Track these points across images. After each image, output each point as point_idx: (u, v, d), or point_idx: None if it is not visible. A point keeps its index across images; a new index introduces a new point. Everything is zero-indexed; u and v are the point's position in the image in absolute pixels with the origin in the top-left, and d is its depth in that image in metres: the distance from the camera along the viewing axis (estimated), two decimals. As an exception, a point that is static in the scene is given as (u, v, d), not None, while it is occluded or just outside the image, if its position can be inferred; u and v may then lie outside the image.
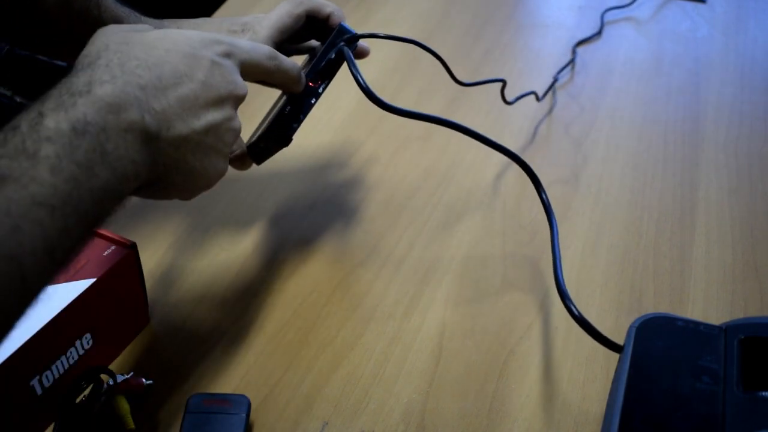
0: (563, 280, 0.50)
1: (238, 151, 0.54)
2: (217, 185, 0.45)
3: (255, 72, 0.46)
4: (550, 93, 0.81)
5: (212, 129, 0.42)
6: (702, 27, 0.96)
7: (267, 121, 0.54)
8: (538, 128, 0.78)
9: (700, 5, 1.01)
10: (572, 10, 1.00)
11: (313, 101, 0.53)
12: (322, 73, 0.53)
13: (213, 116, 0.42)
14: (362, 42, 0.57)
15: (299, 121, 0.53)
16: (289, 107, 0.52)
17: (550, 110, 0.80)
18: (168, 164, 0.40)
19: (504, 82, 0.71)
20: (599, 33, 0.93)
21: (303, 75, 0.51)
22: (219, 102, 0.42)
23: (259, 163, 0.55)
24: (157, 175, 0.40)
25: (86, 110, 0.35)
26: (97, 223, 0.36)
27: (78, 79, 0.37)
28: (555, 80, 0.83)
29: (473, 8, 1.00)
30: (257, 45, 0.47)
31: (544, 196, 0.56)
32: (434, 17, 0.98)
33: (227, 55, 0.43)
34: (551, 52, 0.91)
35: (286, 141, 0.53)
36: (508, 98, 0.73)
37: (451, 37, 0.94)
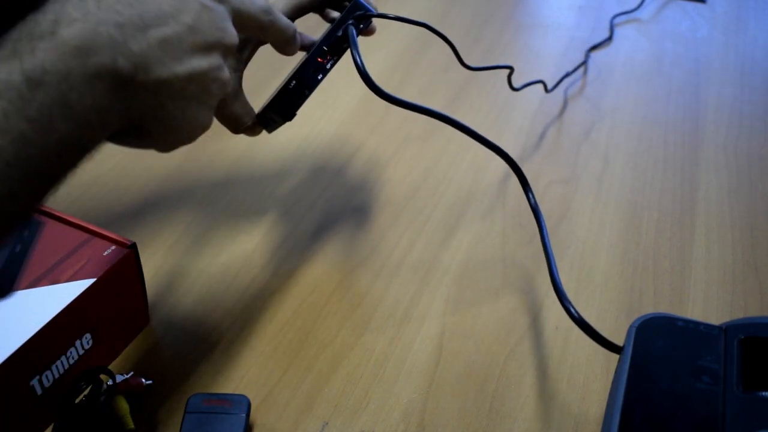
0: (560, 280, 0.50)
1: (245, 125, 0.53)
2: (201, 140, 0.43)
3: (248, 24, 0.44)
4: (554, 96, 0.81)
5: (196, 76, 0.38)
6: (702, 27, 0.96)
7: (273, 93, 0.53)
8: (538, 128, 0.78)
9: (700, 5, 1.01)
10: (572, 10, 1.00)
11: (320, 77, 0.52)
12: (330, 50, 0.52)
13: (198, 63, 0.38)
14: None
15: (305, 97, 0.52)
16: (294, 82, 0.51)
17: (561, 115, 0.80)
18: (144, 111, 0.37)
19: (511, 68, 0.70)
20: (610, 38, 0.93)
21: (298, 37, 0.49)
22: (206, 48, 0.39)
23: (269, 131, 0.54)
24: (132, 123, 0.37)
25: (46, 57, 0.31)
26: (55, 180, 0.33)
27: (44, 16, 0.33)
28: (566, 75, 0.83)
29: (473, 8, 1.00)
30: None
31: (531, 197, 0.55)
32: (434, 17, 0.98)
33: (220, 0, 0.40)
34: (551, 52, 0.91)
35: (290, 115, 0.52)
36: (515, 85, 0.73)
37: (451, 37, 0.93)
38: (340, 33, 0.52)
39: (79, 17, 0.33)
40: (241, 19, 0.42)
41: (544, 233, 0.53)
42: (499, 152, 0.54)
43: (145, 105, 0.36)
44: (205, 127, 0.42)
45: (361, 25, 0.53)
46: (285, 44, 0.48)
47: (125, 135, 0.38)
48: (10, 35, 0.32)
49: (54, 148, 0.32)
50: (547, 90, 0.79)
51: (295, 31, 0.48)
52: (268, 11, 0.45)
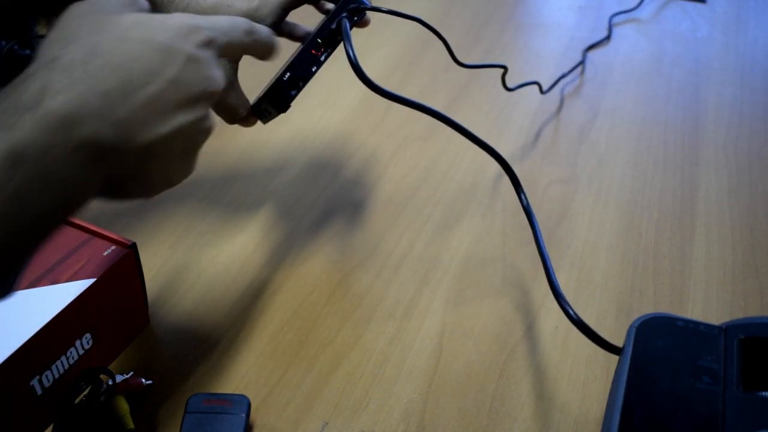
0: (557, 281, 0.50)
1: (240, 116, 0.52)
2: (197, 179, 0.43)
3: (233, 52, 0.43)
4: (554, 95, 0.81)
5: (180, 132, 0.37)
6: (702, 27, 0.96)
7: (268, 84, 0.53)
8: (538, 128, 0.78)
9: (700, 5, 1.01)
10: (572, 10, 1.00)
11: (314, 69, 0.52)
12: (324, 42, 0.52)
13: (183, 118, 0.37)
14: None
15: (299, 89, 0.52)
16: (288, 74, 0.51)
17: (558, 111, 0.80)
18: (125, 174, 0.36)
19: (505, 68, 0.70)
20: (608, 38, 0.93)
21: (279, 44, 0.48)
22: (190, 102, 0.38)
23: (264, 122, 0.54)
24: (111, 186, 0.36)
25: (30, 129, 0.31)
26: (28, 252, 0.33)
27: (32, 85, 0.32)
28: (562, 77, 0.82)
29: (473, 8, 1.00)
30: (235, 21, 0.43)
31: (523, 198, 0.55)
32: (434, 17, 0.98)
33: (207, 44, 0.39)
34: (551, 52, 0.91)
35: (284, 107, 0.52)
36: (510, 85, 0.72)
37: (451, 37, 0.93)
38: (334, 26, 0.52)
39: (65, 86, 0.33)
40: (227, 51, 0.42)
41: (538, 235, 0.53)
42: (491, 152, 0.54)
43: (126, 169, 0.36)
44: (188, 174, 0.41)
45: (356, 18, 0.53)
46: (267, 55, 0.47)
47: (103, 195, 0.37)
48: None
49: (30, 224, 0.32)
50: (542, 91, 0.79)
51: (275, 40, 0.48)
52: (249, 31, 0.44)
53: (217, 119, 0.50)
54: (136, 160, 0.36)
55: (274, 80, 0.52)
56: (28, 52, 1.18)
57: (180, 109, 0.37)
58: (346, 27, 0.51)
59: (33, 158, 0.31)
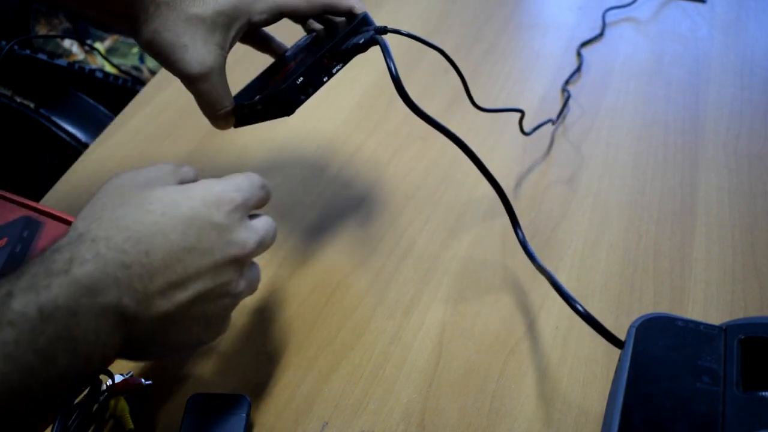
0: (563, 285, 0.50)
1: (225, 110, 0.52)
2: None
3: (253, 208, 0.44)
4: (555, 95, 0.81)
5: (201, 298, 0.39)
6: (702, 27, 0.96)
7: (272, 87, 0.52)
8: (538, 129, 0.78)
9: (700, 5, 1.01)
10: (572, 10, 1.00)
11: (325, 79, 0.52)
12: (341, 55, 0.52)
13: (203, 284, 0.39)
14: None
15: (308, 95, 0.52)
16: (302, 79, 0.51)
17: (563, 118, 0.79)
18: (145, 342, 0.38)
19: (522, 112, 0.70)
20: (601, 34, 0.93)
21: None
22: (214, 268, 0.39)
23: (241, 125, 0.53)
24: (132, 347, 0.38)
25: (60, 292, 0.33)
26: (49, 408, 0.35)
27: (61, 255, 0.35)
28: (568, 95, 0.81)
29: (473, 8, 1.00)
30: (251, 179, 0.43)
31: (519, 233, 0.56)
32: (434, 17, 0.98)
33: (234, 209, 0.40)
34: (551, 52, 0.91)
35: (290, 111, 0.51)
36: (525, 129, 0.72)
37: (451, 37, 0.93)
38: (360, 41, 0.52)
39: (90, 258, 0.35)
40: (250, 208, 0.43)
41: (539, 262, 0.53)
42: (495, 185, 0.55)
43: (146, 334, 0.38)
44: (219, 334, 0.42)
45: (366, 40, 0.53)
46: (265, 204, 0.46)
47: (124, 354, 0.39)
48: (28, 268, 0.34)
49: (53, 380, 0.34)
50: (554, 123, 0.77)
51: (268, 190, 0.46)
52: (263, 185, 0.44)
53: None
54: (155, 326, 0.38)
55: (284, 85, 0.51)
56: (28, 52, 1.18)
57: (201, 276, 0.39)
58: (385, 44, 0.51)
59: (61, 318, 0.33)
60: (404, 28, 0.54)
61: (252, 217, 0.44)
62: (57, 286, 0.34)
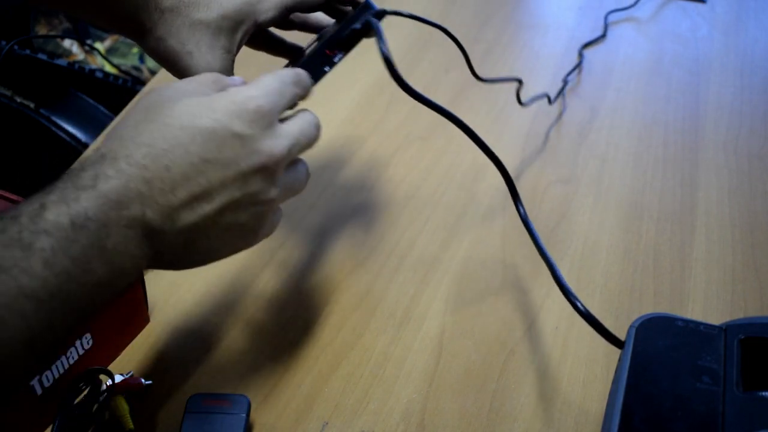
0: (564, 279, 0.50)
1: None
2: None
3: (289, 107, 0.43)
4: (554, 95, 0.81)
5: (229, 208, 0.39)
6: (702, 27, 0.96)
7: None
8: (537, 128, 0.78)
9: (700, 5, 1.01)
10: (572, 10, 1.00)
11: (326, 69, 0.51)
12: (341, 43, 0.51)
13: (229, 195, 0.38)
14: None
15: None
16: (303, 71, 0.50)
17: (560, 115, 0.79)
18: (176, 253, 0.39)
19: (520, 81, 0.70)
20: (604, 35, 0.93)
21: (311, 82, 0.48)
22: (240, 178, 0.39)
23: None
24: (160, 259, 0.38)
25: (88, 205, 0.34)
26: (86, 317, 0.35)
27: (86, 173, 0.36)
28: (565, 83, 0.82)
29: (473, 8, 1.00)
30: (283, 77, 0.43)
31: (521, 209, 0.55)
32: (433, 17, 0.97)
33: (260, 117, 0.39)
34: (551, 52, 0.91)
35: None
36: (522, 99, 0.72)
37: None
38: (358, 26, 0.51)
39: (113, 175, 0.36)
40: (284, 109, 0.42)
41: (539, 241, 0.53)
42: (498, 164, 0.54)
43: (173, 246, 0.38)
44: (247, 247, 0.42)
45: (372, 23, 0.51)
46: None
47: (153, 265, 0.39)
48: (57, 184, 0.35)
49: (90, 287, 0.34)
50: (550, 102, 0.78)
51: (311, 82, 0.47)
52: (297, 81, 0.44)
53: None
54: (183, 237, 0.38)
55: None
56: (28, 52, 1.18)
57: (227, 187, 0.38)
58: (378, 26, 0.50)
59: (92, 228, 0.34)
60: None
61: (286, 119, 0.43)
62: (85, 199, 0.34)
